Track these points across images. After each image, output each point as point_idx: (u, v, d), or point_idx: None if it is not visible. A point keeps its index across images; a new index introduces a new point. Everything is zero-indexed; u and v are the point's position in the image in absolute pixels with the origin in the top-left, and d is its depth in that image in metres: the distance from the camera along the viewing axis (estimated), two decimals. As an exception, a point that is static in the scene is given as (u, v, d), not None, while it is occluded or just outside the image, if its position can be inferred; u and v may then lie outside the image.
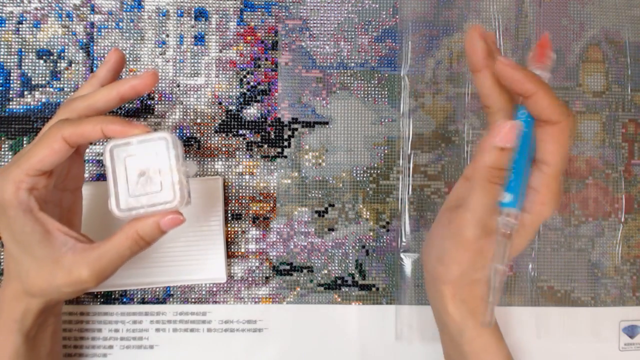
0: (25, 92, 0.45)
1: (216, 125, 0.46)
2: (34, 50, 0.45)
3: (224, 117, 0.46)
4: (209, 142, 0.45)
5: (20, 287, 0.34)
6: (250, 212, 0.45)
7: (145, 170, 0.33)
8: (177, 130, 0.45)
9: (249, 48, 0.46)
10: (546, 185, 0.32)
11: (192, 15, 0.46)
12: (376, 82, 0.46)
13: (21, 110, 0.45)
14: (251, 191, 0.46)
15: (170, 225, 0.33)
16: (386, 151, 0.46)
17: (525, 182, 0.32)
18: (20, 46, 0.45)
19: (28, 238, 0.33)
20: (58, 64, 0.45)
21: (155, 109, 0.45)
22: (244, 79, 0.46)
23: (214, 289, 0.45)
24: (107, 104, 0.35)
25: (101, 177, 0.45)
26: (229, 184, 0.45)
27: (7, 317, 0.35)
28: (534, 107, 0.31)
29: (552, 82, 0.47)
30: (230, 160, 0.46)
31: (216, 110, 0.46)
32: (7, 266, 0.35)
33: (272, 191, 0.46)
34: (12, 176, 0.32)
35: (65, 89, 0.45)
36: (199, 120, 0.45)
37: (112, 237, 0.33)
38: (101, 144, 0.45)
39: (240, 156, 0.46)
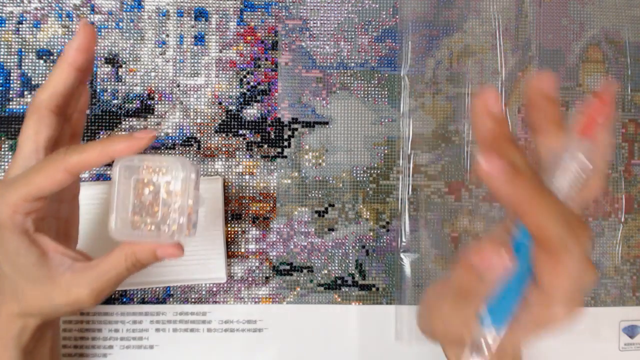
0: (25, 92, 0.45)
1: (216, 125, 0.46)
2: (34, 50, 0.45)
3: (224, 117, 0.46)
4: (209, 142, 0.45)
5: (17, 306, 0.33)
6: (250, 212, 0.45)
7: (151, 195, 0.31)
8: (177, 130, 0.45)
9: (249, 48, 0.46)
10: (539, 311, 0.26)
11: (192, 15, 0.46)
12: (376, 82, 0.46)
13: (21, 110, 0.45)
14: (251, 191, 0.46)
15: (167, 257, 0.32)
16: (386, 151, 0.46)
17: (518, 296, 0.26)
18: (20, 46, 0.45)
19: (23, 260, 0.32)
20: (58, 64, 0.45)
21: (155, 109, 0.45)
22: (244, 79, 0.46)
23: (214, 289, 0.45)
24: (67, 82, 0.33)
25: (100, 177, 0.45)
26: (229, 184, 0.45)
27: (5, 334, 0.34)
28: (524, 223, 0.24)
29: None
30: (230, 160, 0.46)
31: (216, 110, 0.46)
32: (2, 286, 0.34)
33: (272, 191, 0.46)
34: (8, 200, 0.31)
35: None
36: (199, 120, 0.45)
37: (110, 255, 0.33)
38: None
39: (240, 156, 0.46)
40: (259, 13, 0.46)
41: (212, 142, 0.45)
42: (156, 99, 0.45)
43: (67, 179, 0.31)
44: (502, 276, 0.25)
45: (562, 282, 0.24)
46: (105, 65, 0.45)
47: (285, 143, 0.46)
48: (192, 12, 0.46)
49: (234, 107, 0.46)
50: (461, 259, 0.26)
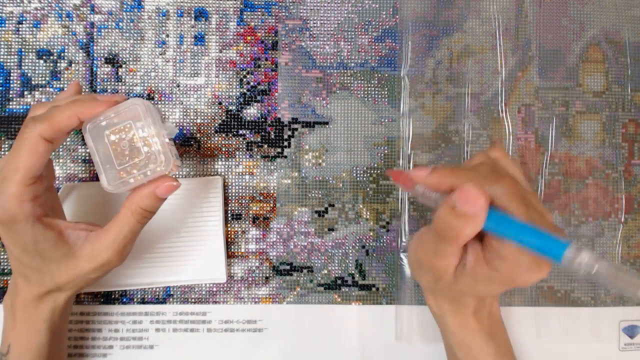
0: (25, 92, 0.45)
1: (216, 125, 0.46)
2: (34, 50, 0.45)
3: (224, 117, 0.46)
4: (209, 142, 0.45)
5: (44, 288, 0.35)
6: (250, 212, 0.45)
7: (126, 140, 0.33)
8: (178, 130, 0.45)
9: (249, 48, 0.46)
10: (511, 255, 0.29)
11: (192, 15, 0.46)
12: (376, 82, 0.46)
13: (21, 110, 0.45)
14: (251, 191, 0.46)
15: (166, 192, 0.34)
16: (386, 151, 0.46)
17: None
18: (20, 46, 0.45)
19: (42, 245, 0.33)
20: (58, 64, 0.45)
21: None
22: (244, 79, 0.46)
23: (214, 289, 0.45)
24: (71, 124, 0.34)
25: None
26: (229, 184, 0.45)
27: (36, 318, 0.36)
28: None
29: (550, 83, 0.47)
30: (230, 160, 0.46)
31: (216, 110, 0.46)
32: (23, 275, 0.35)
33: (272, 191, 0.46)
34: (9, 193, 0.32)
35: (66, 89, 0.45)
36: (199, 120, 0.45)
37: (118, 216, 0.34)
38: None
39: (240, 156, 0.46)
40: (259, 13, 0.46)
41: (212, 142, 0.45)
42: (156, 99, 0.45)
43: (47, 147, 0.32)
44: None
45: (518, 208, 0.29)
46: (105, 65, 0.45)
47: (285, 143, 0.46)
48: (192, 12, 0.46)
49: (234, 107, 0.46)
50: (445, 201, 0.29)
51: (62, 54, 0.45)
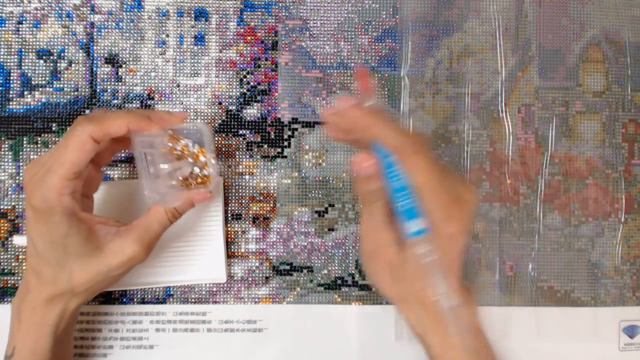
0: (25, 92, 0.45)
1: (216, 125, 0.46)
2: (34, 50, 0.45)
3: (224, 117, 0.46)
4: (209, 142, 0.45)
5: (56, 289, 0.35)
6: (250, 212, 0.45)
7: (177, 152, 0.38)
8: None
9: (249, 48, 0.46)
10: (425, 207, 0.31)
11: (192, 15, 0.46)
12: (376, 82, 0.46)
13: (21, 110, 0.45)
14: (251, 191, 0.46)
15: (202, 201, 0.38)
16: (386, 151, 0.46)
17: (419, 206, 0.32)
18: (20, 46, 0.45)
19: (74, 239, 0.34)
20: (58, 64, 0.45)
21: (155, 109, 0.45)
22: (244, 79, 0.46)
23: (214, 289, 0.45)
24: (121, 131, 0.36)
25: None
26: (229, 184, 0.45)
27: (41, 321, 0.36)
28: (376, 139, 0.32)
29: (550, 83, 0.47)
30: (230, 160, 0.46)
31: (216, 110, 0.46)
32: (38, 272, 0.35)
33: (272, 191, 0.46)
34: (52, 184, 0.33)
35: (65, 89, 0.45)
36: (199, 120, 0.45)
37: (150, 212, 0.37)
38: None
39: (240, 156, 0.46)
40: (259, 13, 0.46)
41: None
42: (156, 99, 0.45)
43: (94, 147, 0.34)
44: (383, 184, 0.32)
45: (420, 176, 0.31)
46: (105, 65, 0.45)
47: (285, 143, 0.46)
48: (192, 12, 0.46)
49: (234, 107, 0.46)
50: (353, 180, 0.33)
51: (62, 54, 0.45)
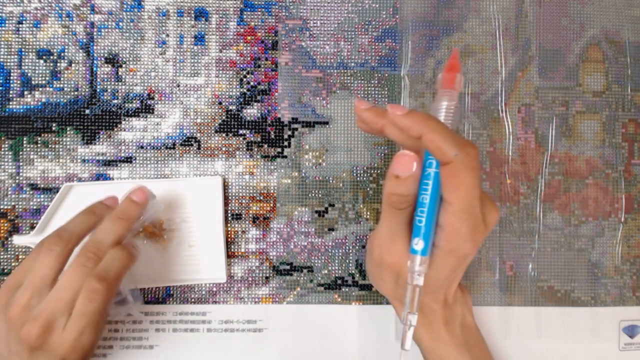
0: (25, 92, 0.45)
1: (216, 125, 0.46)
2: (34, 50, 0.45)
3: (224, 117, 0.46)
4: (209, 142, 0.45)
5: None
6: (250, 212, 0.45)
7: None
8: (178, 130, 0.45)
9: (249, 48, 0.46)
10: (450, 224, 0.31)
11: (192, 15, 0.46)
12: (376, 82, 0.46)
13: (21, 110, 0.45)
14: (251, 191, 0.46)
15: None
16: (386, 151, 0.46)
17: (435, 223, 0.32)
18: (20, 46, 0.45)
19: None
20: (58, 64, 0.45)
21: (155, 109, 0.45)
22: (244, 79, 0.46)
23: (214, 289, 0.45)
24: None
25: (100, 177, 0.45)
26: (229, 184, 0.45)
27: None
28: (428, 149, 0.30)
29: (550, 83, 0.47)
30: (230, 160, 0.46)
31: (216, 110, 0.46)
32: None
33: (272, 191, 0.46)
34: (69, 338, 0.34)
35: (65, 89, 0.45)
36: (199, 120, 0.45)
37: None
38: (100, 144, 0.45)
39: (240, 156, 0.46)
40: (259, 13, 0.46)
41: (212, 142, 0.45)
42: (156, 98, 0.45)
43: (105, 318, 0.37)
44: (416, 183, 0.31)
45: (461, 193, 0.30)
46: (105, 65, 0.45)
47: (285, 143, 0.46)
48: (192, 12, 0.46)
49: (234, 107, 0.46)
50: (388, 172, 0.31)
51: (62, 54, 0.45)
